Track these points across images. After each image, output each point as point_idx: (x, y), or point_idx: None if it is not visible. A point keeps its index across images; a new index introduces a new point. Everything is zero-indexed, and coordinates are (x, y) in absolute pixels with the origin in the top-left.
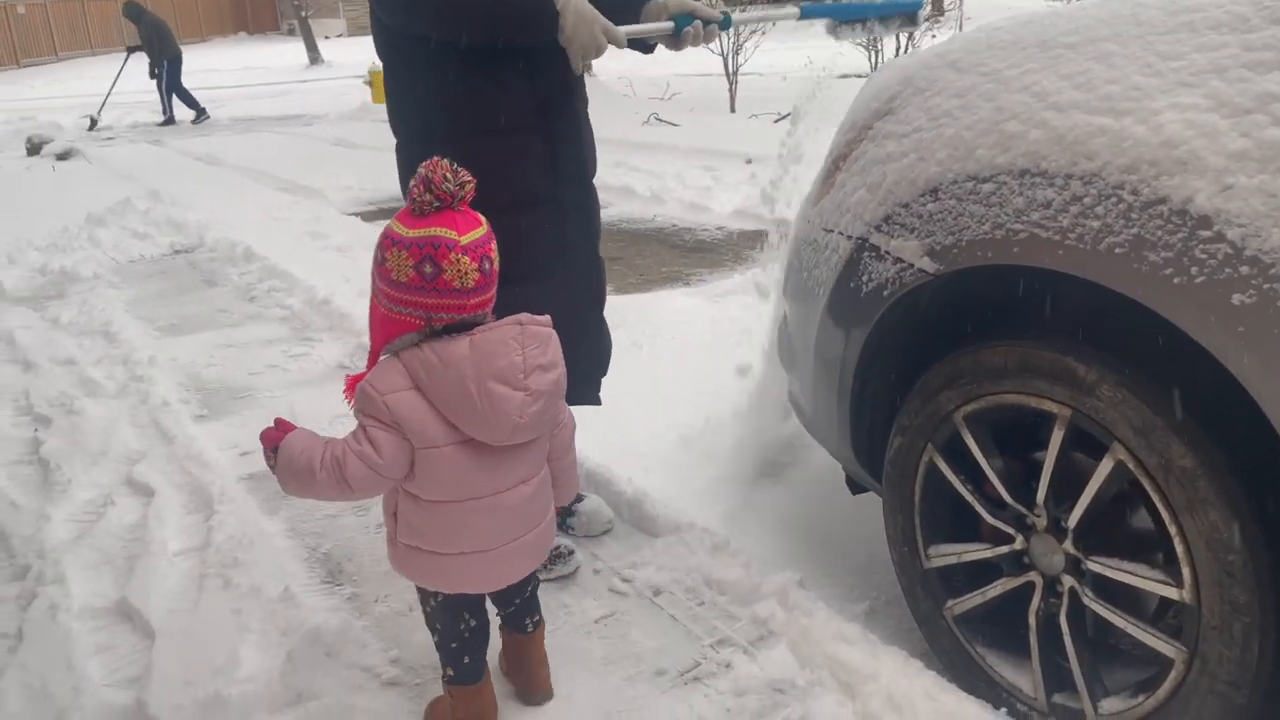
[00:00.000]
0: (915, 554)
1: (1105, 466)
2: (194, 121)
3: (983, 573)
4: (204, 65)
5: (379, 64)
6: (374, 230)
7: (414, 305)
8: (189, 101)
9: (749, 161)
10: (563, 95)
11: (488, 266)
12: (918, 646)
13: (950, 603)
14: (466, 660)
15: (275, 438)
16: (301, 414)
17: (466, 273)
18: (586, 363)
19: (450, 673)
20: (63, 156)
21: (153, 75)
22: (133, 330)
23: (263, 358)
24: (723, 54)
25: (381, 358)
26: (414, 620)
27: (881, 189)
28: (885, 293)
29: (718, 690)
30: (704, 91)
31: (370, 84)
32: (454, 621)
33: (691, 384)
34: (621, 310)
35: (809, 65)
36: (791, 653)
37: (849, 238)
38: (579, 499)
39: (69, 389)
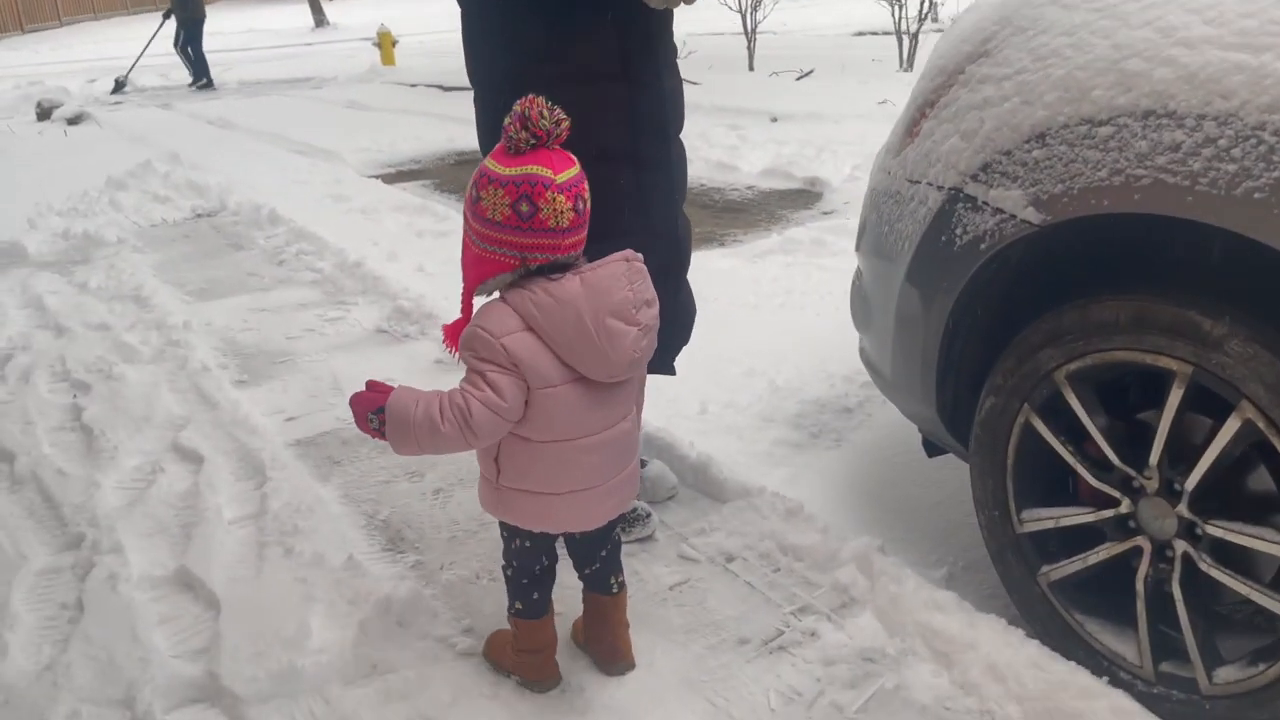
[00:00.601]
0: (1007, 518)
1: (1231, 426)
2: (191, 86)
3: (1081, 538)
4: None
5: (386, 26)
6: (395, 193)
7: (509, 245)
8: (201, 66)
9: (774, 120)
10: (645, 45)
11: (582, 206)
12: (1003, 613)
13: (1045, 568)
14: (536, 596)
15: (372, 401)
16: (344, 378)
17: (562, 212)
18: (668, 329)
19: (519, 606)
20: (73, 121)
21: (177, 42)
22: (164, 295)
23: (298, 321)
24: (741, 10)
25: (477, 299)
26: (483, 588)
27: (978, 136)
28: (982, 246)
29: (805, 659)
30: (720, 50)
31: (379, 45)
32: (533, 561)
33: (739, 346)
34: None
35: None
36: (879, 620)
37: (940, 189)
38: (643, 463)
39: (105, 354)
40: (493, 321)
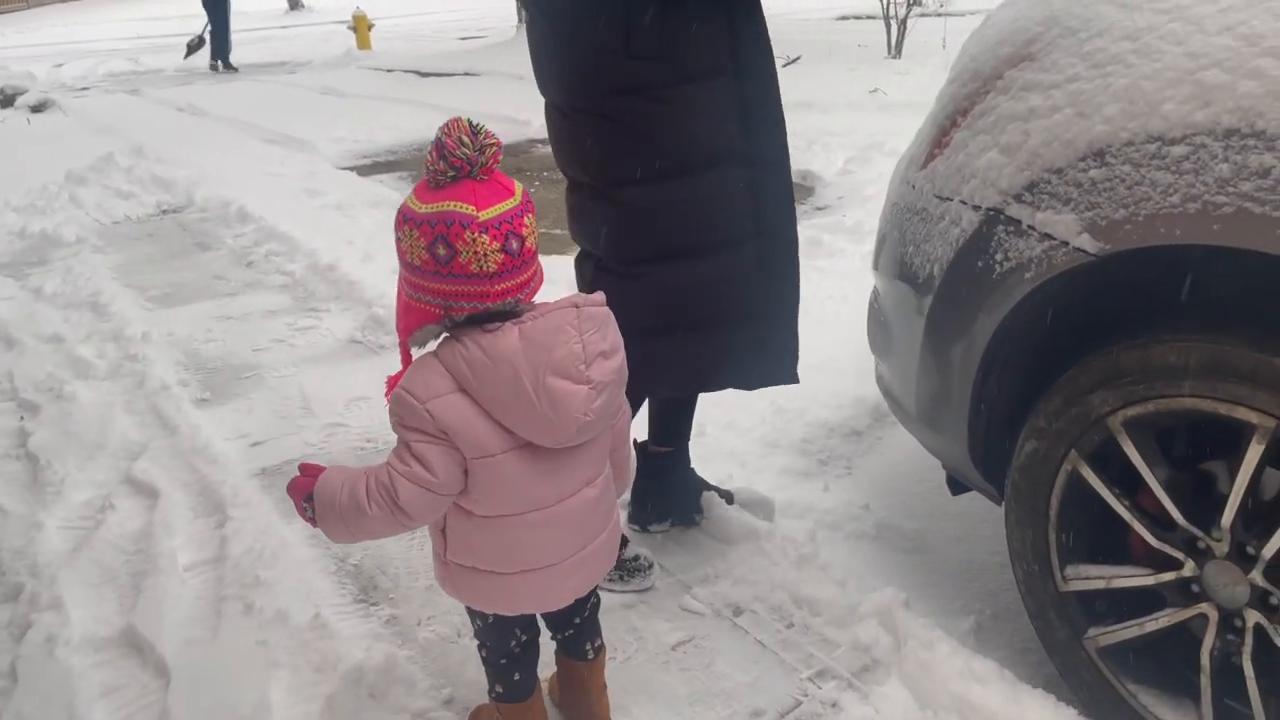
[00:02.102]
0: (1048, 574)
1: None
2: (191, 53)
3: (1136, 600)
4: (179, 10)
5: (362, 9)
6: (371, 186)
7: (430, 292)
8: (222, 46)
9: None
10: (756, 32)
11: (515, 246)
12: (1037, 671)
13: (1093, 632)
14: (517, 677)
15: (306, 486)
16: (314, 396)
17: (486, 254)
18: (788, 335)
19: (500, 690)
20: (37, 108)
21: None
22: (123, 301)
23: (266, 331)
24: None
25: (413, 353)
26: (464, 648)
27: (1022, 151)
28: (1027, 275)
29: None
30: None
31: (354, 29)
32: (505, 638)
33: None
34: None
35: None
36: (908, 689)
37: (976, 208)
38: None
39: (57, 370)
40: (418, 383)
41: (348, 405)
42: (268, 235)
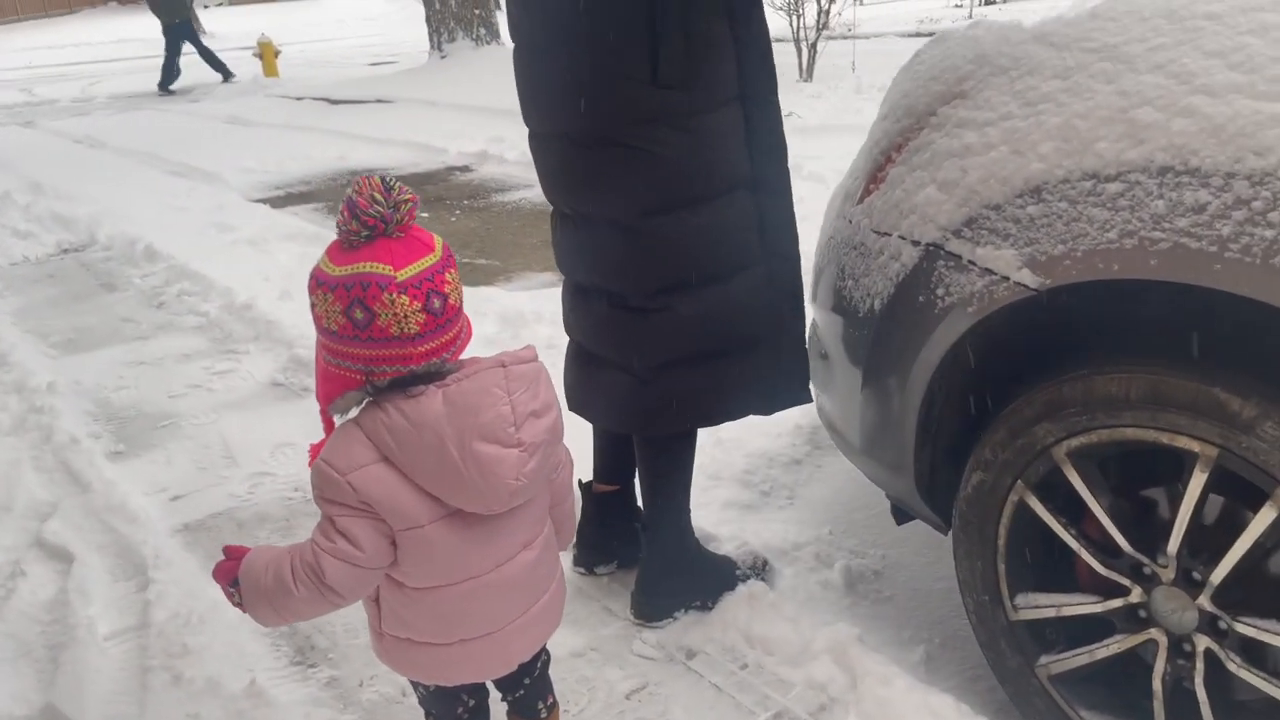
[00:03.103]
0: (998, 604)
1: (1267, 516)
2: (224, 80)
3: (1086, 628)
4: (74, 39)
5: (267, 35)
6: (286, 219)
7: (350, 358)
8: (171, 68)
9: None
10: (764, 56)
11: (438, 304)
12: (988, 699)
13: (1045, 660)
14: None
15: (231, 570)
16: (236, 443)
17: (406, 315)
18: (794, 358)
19: None
20: None
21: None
22: (24, 349)
23: (182, 376)
24: None
25: (335, 420)
26: (411, 709)
27: (960, 188)
28: (969, 309)
29: None
30: None
31: (260, 56)
32: (451, 706)
33: None
34: None
35: None
36: None
37: (915, 243)
38: None
39: None
40: (339, 453)
41: (273, 453)
42: (179, 274)
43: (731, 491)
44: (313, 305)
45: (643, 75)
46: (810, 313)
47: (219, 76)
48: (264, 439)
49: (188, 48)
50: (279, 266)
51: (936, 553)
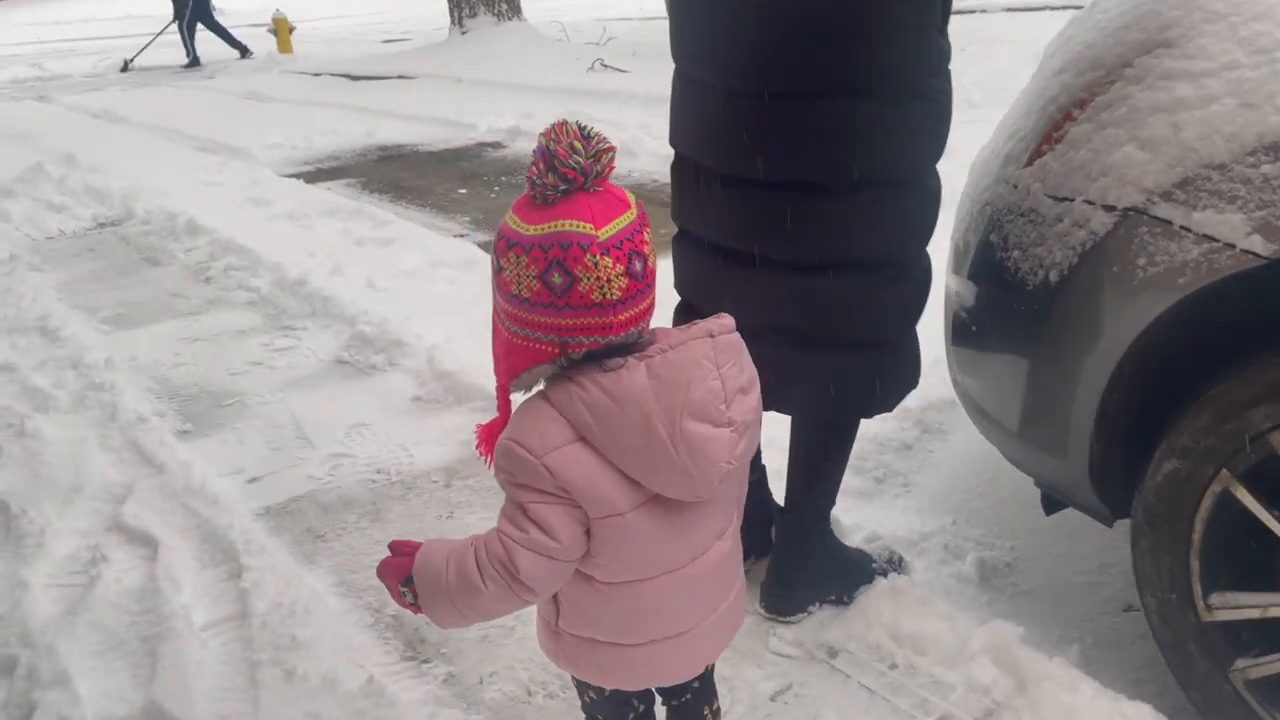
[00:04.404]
0: (1188, 604)
1: None
2: (241, 57)
3: None
4: (80, 14)
5: (281, 11)
6: (322, 194)
7: (543, 328)
8: (228, 39)
9: None
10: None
11: (639, 267)
12: (1158, 704)
13: (1240, 664)
14: None
15: (402, 567)
16: (309, 423)
17: (609, 280)
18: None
19: None
20: None
21: (178, 15)
22: (75, 324)
23: (241, 353)
24: None
25: (513, 398)
26: (539, 709)
27: (1171, 146)
28: (1180, 280)
29: None
30: (640, 35)
31: (274, 32)
32: (623, 712)
33: None
34: None
35: None
36: None
37: (1109, 209)
38: None
39: (13, 403)
40: (532, 433)
41: (348, 433)
42: (223, 248)
43: (845, 479)
44: (500, 270)
45: (935, 20)
46: (951, 285)
47: (234, 53)
48: (337, 419)
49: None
50: (323, 242)
51: (1070, 543)
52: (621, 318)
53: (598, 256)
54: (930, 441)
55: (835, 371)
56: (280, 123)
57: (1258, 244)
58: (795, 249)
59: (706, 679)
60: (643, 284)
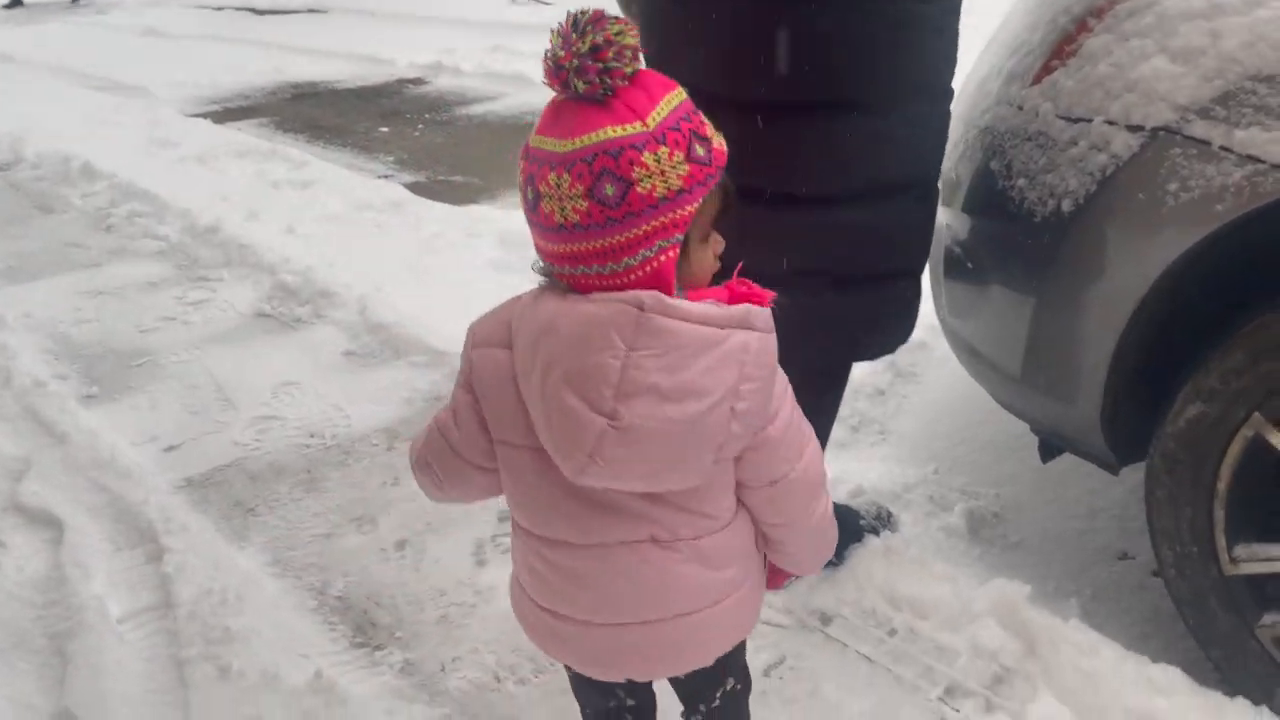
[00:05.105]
0: (1210, 556)
1: None
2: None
3: None
4: None
5: None
6: (232, 135)
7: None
8: None
9: None
10: None
11: (610, 192)
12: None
13: (1269, 620)
14: None
15: None
16: (230, 383)
17: (565, 200)
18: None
19: None
20: None
21: None
22: None
23: (150, 307)
24: None
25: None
26: (509, 696)
27: (1209, 56)
28: (1219, 207)
29: None
30: None
31: None
32: (602, 698)
33: None
34: None
35: None
36: (1067, 705)
37: (1135, 128)
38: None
39: None
40: (483, 322)
41: (275, 393)
42: (125, 194)
43: None
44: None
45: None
46: (942, 218)
47: None
48: (261, 378)
49: None
50: (235, 185)
51: (1057, 489)
52: (566, 249)
53: (555, 174)
54: (904, 386)
55: (872, 308)
56: (182, 60)
57: None
58: (824, 179)
59: (723, 707)
60: (610, 215)
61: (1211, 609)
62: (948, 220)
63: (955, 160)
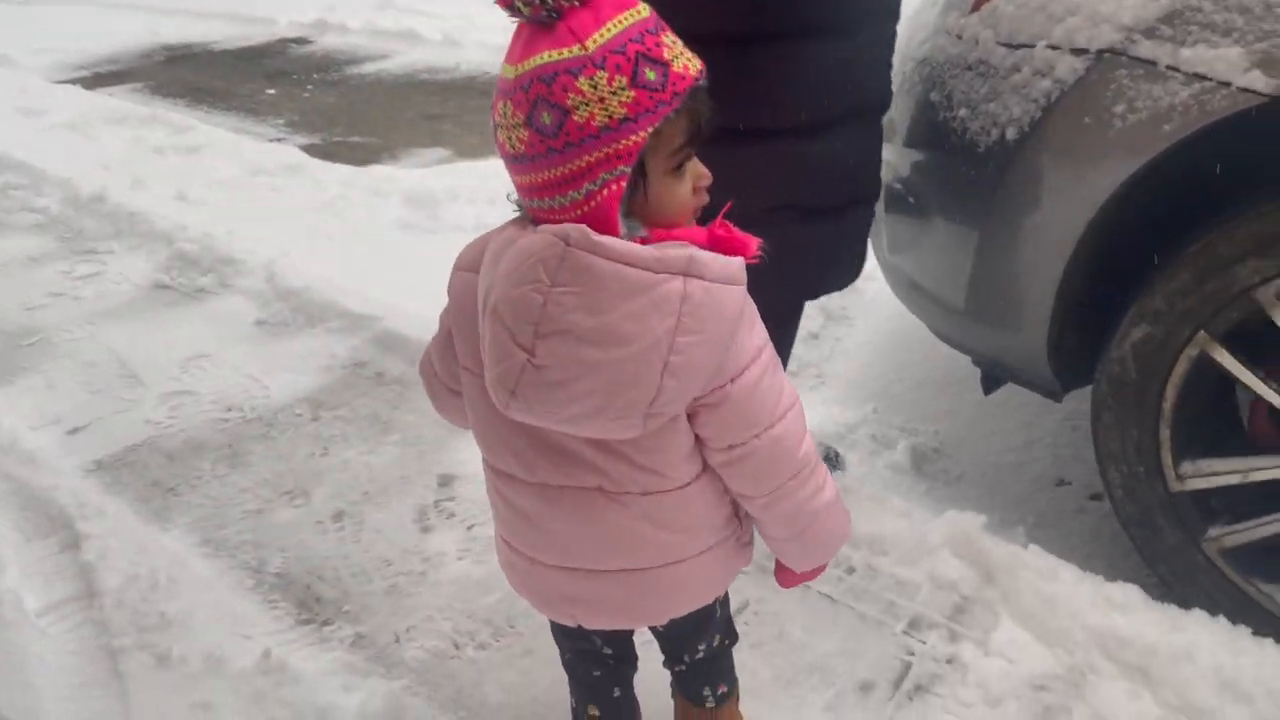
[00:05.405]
0: (1156, 475)
1: None
2: None
3: (1266, 491)
4: None
5: None
6: (105, 101)
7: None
8: None
9: None
10: None
11: (547, 120)
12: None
13: (1214, 533)
14: (574, 704)
15: None
16: (134, 359)
17: (511, 129)
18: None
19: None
20: None
21: None
22: None
23: (35, 283)
24: None
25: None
26: (470, 662)
27: None
28: (1165, 127)
29: (962, 701)
30: None
31: None
32: (578, 650)
33: None
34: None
35: None
36: (1029, 630)
37: (1079, 52)
38: None
39: None
40: (469, 246)
41: (184, 367)
42: None
43: None
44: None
45: None
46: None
47: None
48: (168, 351)
49: None
50: (114, 153)
51: (992, 422)
52: (525, 179)
53: (502, 101)
54: (836, 329)
55: (833, 240)
56: (43, 24)
57: (1258, 80)
58: (797, 110)
59: (708, 659)
60: (561, 139)
61: (1159, 527)
62: (888, 156)
63: (893, 94)
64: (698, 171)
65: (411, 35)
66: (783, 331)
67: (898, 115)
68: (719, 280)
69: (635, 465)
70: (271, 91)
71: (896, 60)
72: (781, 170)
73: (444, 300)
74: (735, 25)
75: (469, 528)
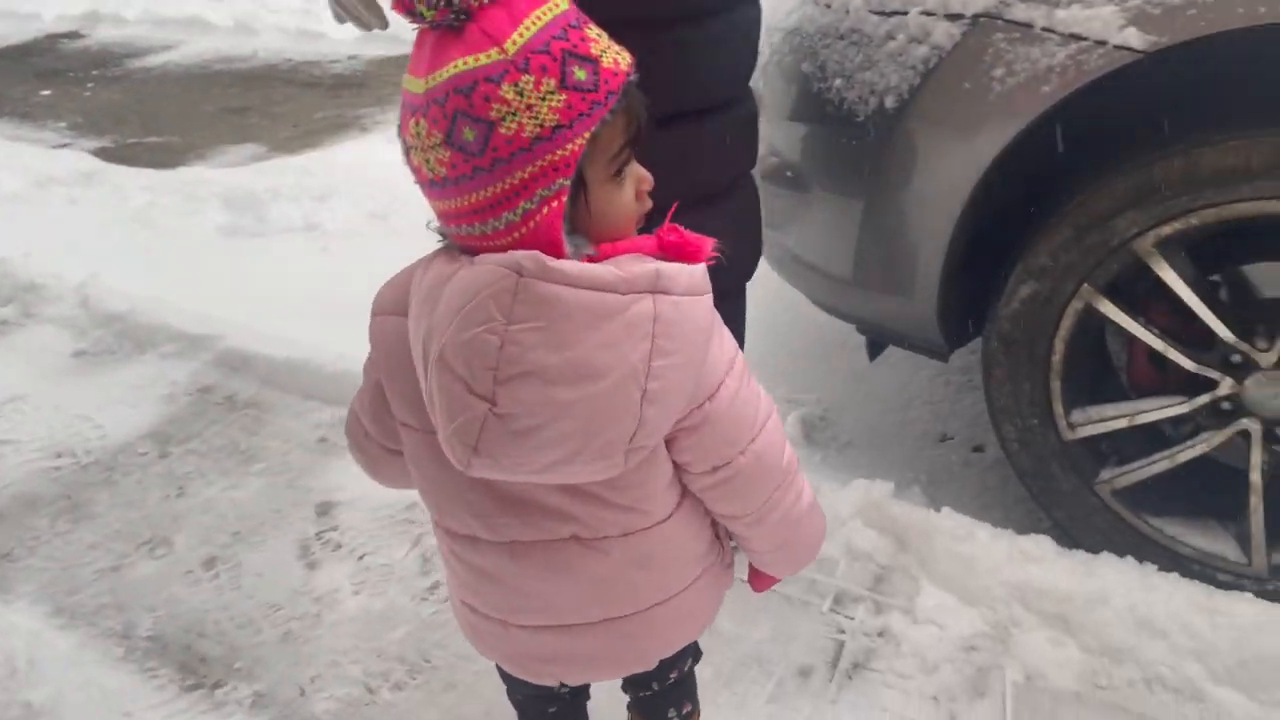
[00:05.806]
0: (1049, 425)
1: None
2: None
3: (1151, 435)
4: None
5: None
6: None
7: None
8: None
9: None
10: None
11: (469, 137)
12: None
13: (1106, 475)
14: None
15: None
16: None
17: (428, 151)
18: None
19: None
20: None
21: None
22: None
23: None
24: None
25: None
26: (386, 706)
27: None
28: (1044, 89)
29: (900, 674)
30: None
31: None
32: (510, 683)
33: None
34: (305, 171)
35: None
36: (951, 591)
37: (955, 17)
38: None
39: None
40: (386, 286)
41: None
42: None
43: None
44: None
45: None
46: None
47: None
48: None
49: None
50: None
51: (869, 385)
52: (444, 205)
53: (415, 120)
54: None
55: (741, 216)
56: None
57: (1133, 38)
58: (711, 87)
59: (677, 683)
60: (479, 162)
61: (1054, 474)
62: (761, 130)
63: (762, 67)
64: (639, 175)
65: (198, 22)
66: (735, 307)
67: (767, 88)
68: (687, 293)
69: (611, 506)
70: (47, 92)
71: (763, 32)
72: (700, 150)
73: (287, 304)
74: (661, 4)
75: (360, 558)
